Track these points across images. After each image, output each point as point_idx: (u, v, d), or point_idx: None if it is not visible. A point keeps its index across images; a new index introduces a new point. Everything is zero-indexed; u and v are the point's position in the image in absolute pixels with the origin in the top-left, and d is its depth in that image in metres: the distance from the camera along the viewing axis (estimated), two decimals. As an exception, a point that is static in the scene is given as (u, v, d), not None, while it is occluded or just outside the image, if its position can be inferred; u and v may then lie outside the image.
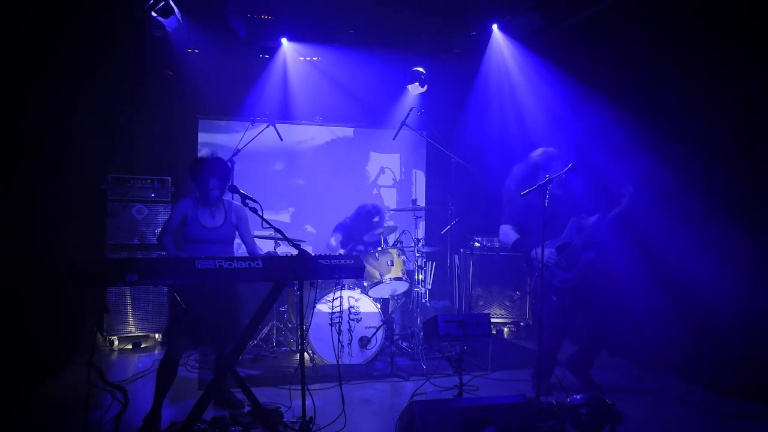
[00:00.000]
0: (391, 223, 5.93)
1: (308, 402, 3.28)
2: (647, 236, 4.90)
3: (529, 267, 4.41)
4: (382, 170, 7.62)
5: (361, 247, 5.90)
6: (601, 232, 4.35)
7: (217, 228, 3.85)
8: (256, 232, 5.50)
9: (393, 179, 7.68)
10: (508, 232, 4.44)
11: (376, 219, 5.89)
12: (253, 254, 3.98)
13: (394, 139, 6.00)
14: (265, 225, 3.58)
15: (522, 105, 6.47)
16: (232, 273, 2.95)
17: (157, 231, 4.85)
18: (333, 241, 5.87)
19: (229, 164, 4.00)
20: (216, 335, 3.68)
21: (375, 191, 7.56)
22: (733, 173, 4.42)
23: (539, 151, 4.43)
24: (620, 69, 5.44)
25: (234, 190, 3.58)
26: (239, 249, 4.31)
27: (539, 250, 3.99)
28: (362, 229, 5.89)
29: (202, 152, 6.83)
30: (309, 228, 7.24)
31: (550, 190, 3.89)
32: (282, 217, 7.12)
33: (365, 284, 5.20)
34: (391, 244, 5.60)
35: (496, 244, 6.48)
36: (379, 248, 5.28)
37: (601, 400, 3.45)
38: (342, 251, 5.75)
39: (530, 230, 4.27)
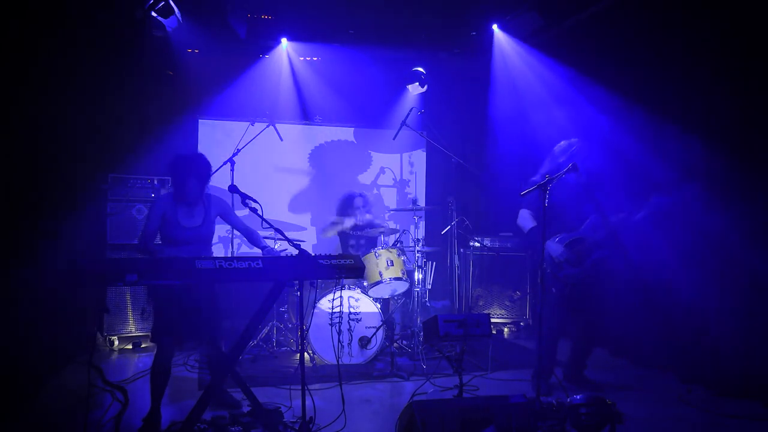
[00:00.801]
0: (392, 225, 5.94)
1: (308, 402, 3.29)
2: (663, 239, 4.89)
3: (539, 258, 4.41)
4: (382, 170, 7.62)
5: (353, 242, 5.90)
6: (622, 233, 4.35)
7: (196, 228, 3.73)
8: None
9: (393, 179, 7.67)
10: (527, 217, 4.45)
11: (358, 201, 5.93)
12: (254, 241, 3.91)
13: (394, 139, 5.99)
14: (266, 225, 3.59)
15: (526, 103, 6.44)
16: (232, 273, 2.95)
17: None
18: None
19: (208, 161, 3.82)
20: (198, 335, 3.67)
21: (375, 191, 7.56)
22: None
23: (563, 143, 4.46)
24: (620, 68, 5.42)
25: (234, 190, 3.58)
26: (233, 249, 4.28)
27: (550, 242, 4.10)
28: (347, 215, 5.95)
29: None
30: (308, 227, 7.23)
31: (563, 186, 3.90)
32: (281, 217, 7.11)
33: (365, 284, 5.20)
34: (391, 244, 5.60)
35: (497, 244, 6.48)
36: (379, 248, 5.28)
37: (601, 400, 3.44)
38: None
39: (547, 221, 4.28)
